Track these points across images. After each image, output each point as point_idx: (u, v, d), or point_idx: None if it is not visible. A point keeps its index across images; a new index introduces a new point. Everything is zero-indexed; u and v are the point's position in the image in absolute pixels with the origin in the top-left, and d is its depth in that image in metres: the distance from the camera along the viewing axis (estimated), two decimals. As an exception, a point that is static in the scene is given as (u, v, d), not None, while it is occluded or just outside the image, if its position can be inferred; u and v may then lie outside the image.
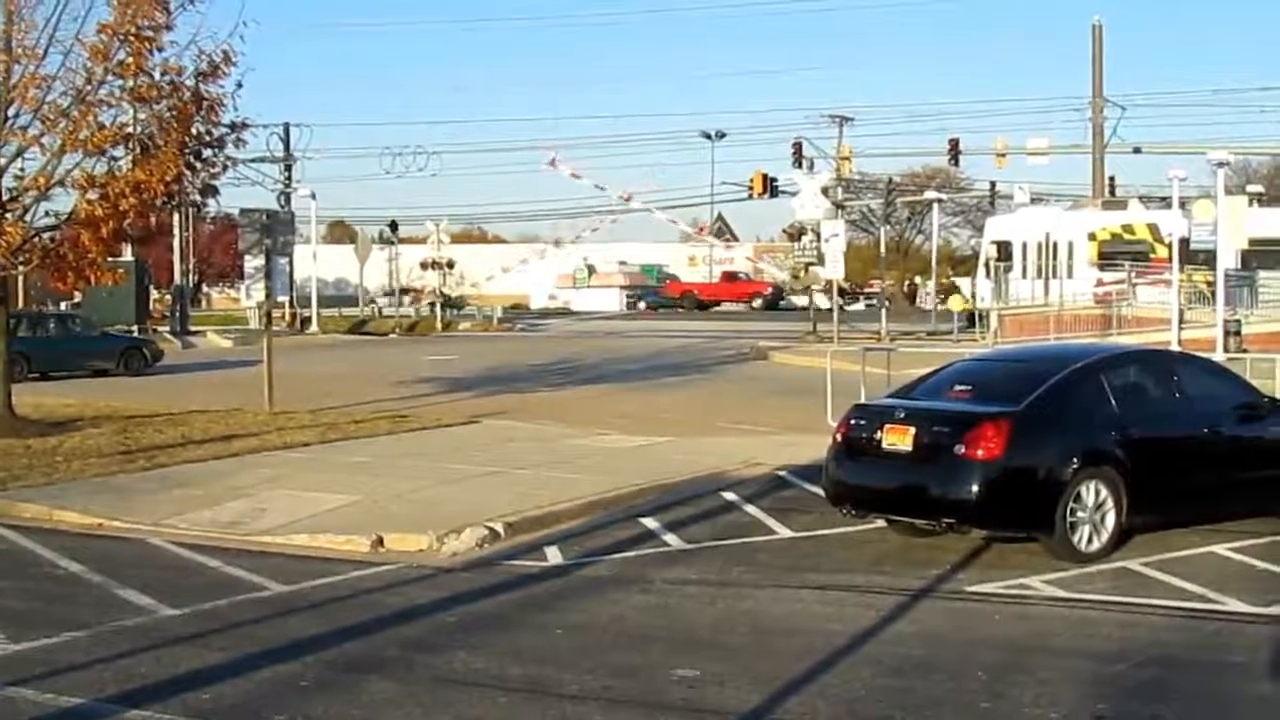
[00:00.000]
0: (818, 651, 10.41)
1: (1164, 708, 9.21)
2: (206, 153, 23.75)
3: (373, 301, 76.57)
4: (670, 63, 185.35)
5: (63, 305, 54.50)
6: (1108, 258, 51.17)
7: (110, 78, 22.11)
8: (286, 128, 66.90)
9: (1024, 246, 55.20)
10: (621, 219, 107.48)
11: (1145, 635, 11.10)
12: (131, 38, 21.94)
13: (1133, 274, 47.96)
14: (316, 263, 67.15)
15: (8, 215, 22.56)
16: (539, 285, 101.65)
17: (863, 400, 17.63)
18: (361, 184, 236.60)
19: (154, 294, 65.98)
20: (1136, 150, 63.41)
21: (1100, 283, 49.61)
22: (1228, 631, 11.27)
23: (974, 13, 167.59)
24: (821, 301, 57.57)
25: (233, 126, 23.79)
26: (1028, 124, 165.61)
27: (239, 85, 23.35)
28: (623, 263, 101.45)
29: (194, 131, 23.10)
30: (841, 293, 58.54)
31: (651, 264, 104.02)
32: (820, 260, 51.84)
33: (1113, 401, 14.35)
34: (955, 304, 56.88)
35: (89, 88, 22.00)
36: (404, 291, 73.51)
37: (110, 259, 25.17)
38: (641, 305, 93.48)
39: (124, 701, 9.23)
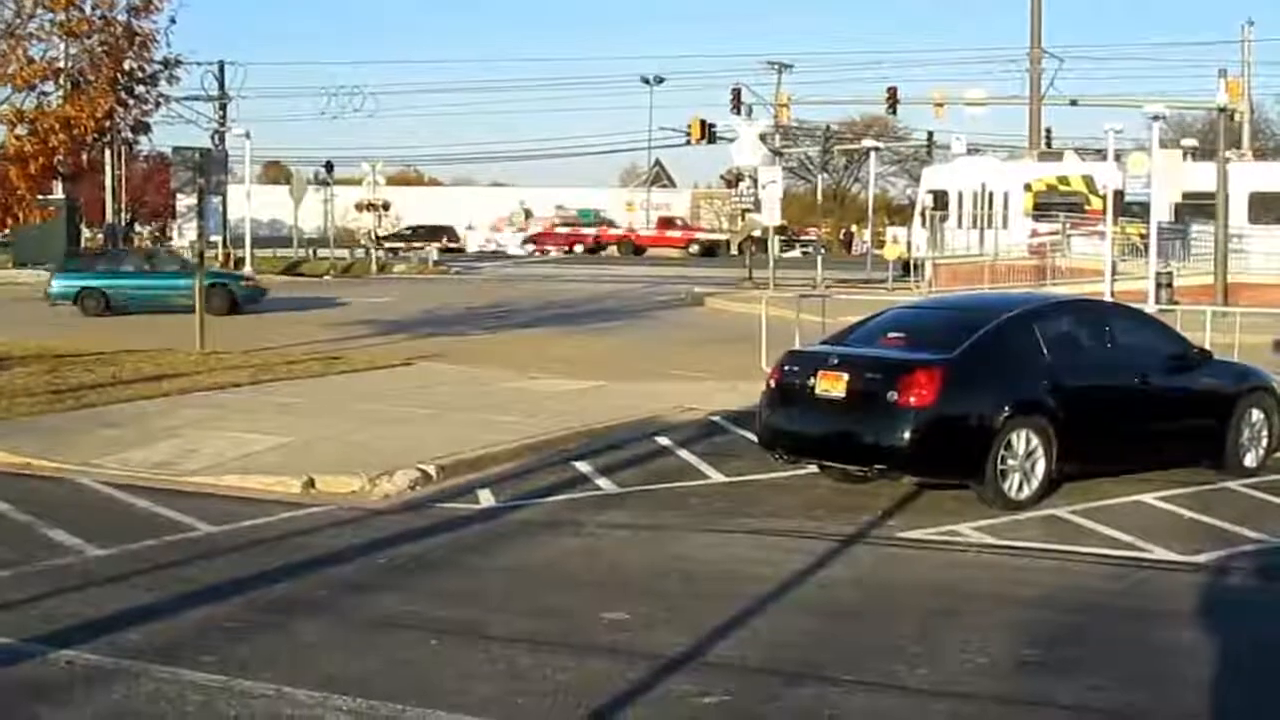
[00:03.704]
0: (748, 596, 10.44)
1: (1090, 652, 9.30)
2: (139, 89, 23.50)
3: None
4: (610, 6, 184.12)
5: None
6: (1043, 209, 51.36)
7: (40, 11, 21.77)
8: (221, 66, 66.08)
9: (960, 196, 55.32)
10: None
11: (1073, 582, 11.22)
12: (63, -30, 21.60)
13: (1067, 225, 48.21)
14: (251, 203, 66.35)
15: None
16: (476, 228, 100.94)
17: (797, 346, 17.67)
18: (297, 124, 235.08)
19: (85, 233, 65.15)
20: (1073, 103, 63.51)
21: (1035, 233, 49.79)
22: (1154, 579, 11.40)
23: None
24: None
25: (165, 63, 23.58)
26: (966, 74, 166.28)
27: (172, 21, 23.19)
28: (560, 206, 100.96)
29: (126, 67, 22.82)
30: (781, 231, 58.44)
31: (588, 208, 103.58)
32: (757, 206, 51.83)
33: (1045, 351, 14.43)
34: (890, 252, 56.99)
35: (18, 21, 21.67)
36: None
37: (40, 196, 24.84)
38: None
39: (51, 641, 9.14)
